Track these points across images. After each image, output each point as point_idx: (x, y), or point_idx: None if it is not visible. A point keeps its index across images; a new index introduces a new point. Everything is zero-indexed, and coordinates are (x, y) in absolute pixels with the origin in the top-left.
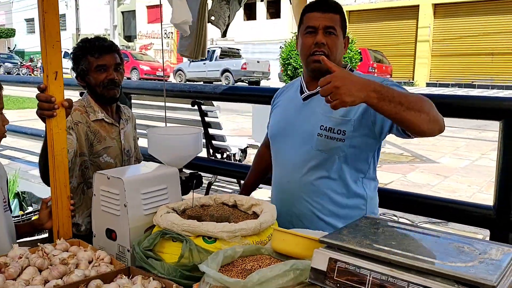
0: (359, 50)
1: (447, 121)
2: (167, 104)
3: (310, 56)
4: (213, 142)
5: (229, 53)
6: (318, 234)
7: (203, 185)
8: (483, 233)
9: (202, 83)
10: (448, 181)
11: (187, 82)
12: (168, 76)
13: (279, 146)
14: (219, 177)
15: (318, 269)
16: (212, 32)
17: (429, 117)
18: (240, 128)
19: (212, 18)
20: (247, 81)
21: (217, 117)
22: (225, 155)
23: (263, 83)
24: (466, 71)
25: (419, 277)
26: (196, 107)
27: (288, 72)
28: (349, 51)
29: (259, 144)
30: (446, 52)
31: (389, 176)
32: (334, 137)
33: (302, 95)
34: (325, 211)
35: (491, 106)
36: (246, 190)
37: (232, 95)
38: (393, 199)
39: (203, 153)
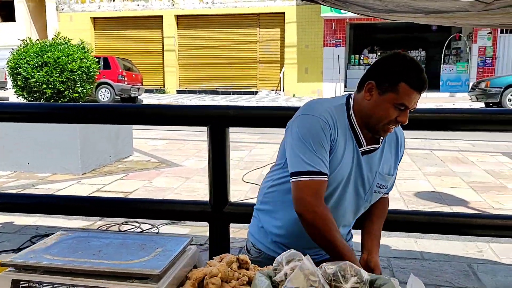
0: (96, 58)
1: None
2: None
3: (384, 125)
4: None
5: None
6: None
7: None
8: None
9: None
10: (189, 182)
11: None
12: None
13: (339, 194)
14: None
15: None
16: None
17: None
18: None
19: None
20: None
21: None
22: None
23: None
24: (211, 79)
25: (99, 280)
26: None
27: (19, 83)
28: (86, 61)
29: None
30: (192, 61)
31: (134, 184)
32: (382, 191)
33: (361, 149)
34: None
35: (199, 114)
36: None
37: None
38: (134, 207)
39: None
